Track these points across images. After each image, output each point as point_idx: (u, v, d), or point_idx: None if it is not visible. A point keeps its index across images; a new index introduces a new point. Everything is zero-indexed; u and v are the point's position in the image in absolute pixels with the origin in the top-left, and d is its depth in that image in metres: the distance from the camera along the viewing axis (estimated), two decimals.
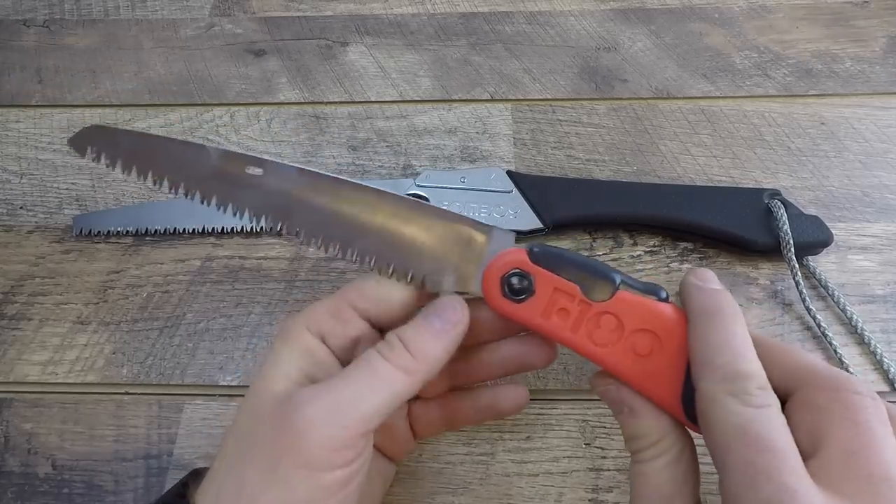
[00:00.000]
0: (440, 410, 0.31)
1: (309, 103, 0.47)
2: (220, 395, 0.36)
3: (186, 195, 0.30)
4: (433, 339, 0.26)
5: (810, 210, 0.40)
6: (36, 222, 0.42)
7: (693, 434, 0.26)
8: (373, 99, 0.47)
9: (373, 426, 0.25)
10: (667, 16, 0.51)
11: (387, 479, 0.32)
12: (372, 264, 0.29)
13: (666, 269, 0.39)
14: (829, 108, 0.45)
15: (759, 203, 0.39)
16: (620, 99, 0.47)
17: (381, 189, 0.30)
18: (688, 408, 0.25)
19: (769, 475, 0.21)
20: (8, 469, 0.34)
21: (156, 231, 0.41)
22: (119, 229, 0.41)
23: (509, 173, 0.41)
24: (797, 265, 0.37)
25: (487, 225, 0.29)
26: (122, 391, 0.36)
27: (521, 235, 0.40)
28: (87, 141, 0.30)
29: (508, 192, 0.40)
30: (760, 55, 0.48)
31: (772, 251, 0.38)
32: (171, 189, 0.30)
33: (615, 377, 0.27)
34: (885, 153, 0.43)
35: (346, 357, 0.28)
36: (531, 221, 0.39)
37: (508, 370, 0.31)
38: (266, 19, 0.52)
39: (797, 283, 0.36)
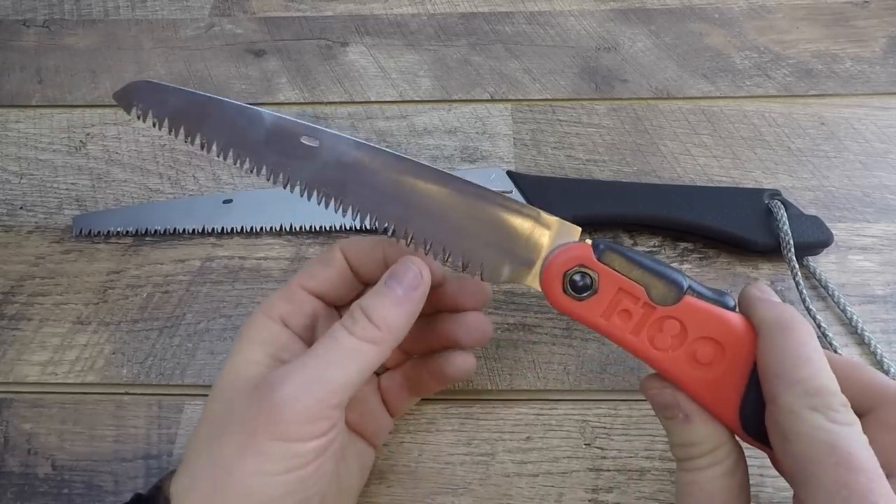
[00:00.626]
0: (402, 378, 0.32)
1: (309, 103, 0.47)
2: None
3: (236, 162, 0.28)
4: (395, 307, 0.27)
5: (810, 210, 0.40)
6: (36, 222, 0.42)
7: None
8: (373, 99, 0.47)
9: (346, 397, 0.25)
10: (667, 16, 0.51)
11: (365, 463, 0.31)
12: (427, 248, 0.28)
13: None
14: (829, 108, 0.45)
15: (759, 203, 0.39)
16: (620, 99, 0.47)
17: (444, 170, 0.28)
18: (745, 420, 0.25)
19: (862, 496, 0.20)
20: (8, 469, 0.34)
21: (156, 231, 0.41)
22: (119, 229, 0.41)
23: (509, 173, 0.41)
24: (797, 265, 0.37)
25: (551, 216, 0.28)
26: (122, 391, 0.36)
27: None
28: (134, 97, 0.28)
29: (508, 193, 0.40)
30: (760, 55, 0.48)
31: (772, 251, 0.38)
32: (219, 154, 0.28)
33: (679, 388, 0.26)
34: (885, 153, 0.43)
35: (309, 336, 0.29)
36: None
37: (448, 343, 0.31)
38: (266, 19, 0.52)
39: (797, 284, 0.36)
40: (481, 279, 0.29)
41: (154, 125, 0.29)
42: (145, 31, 0.52)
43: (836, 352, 0.36)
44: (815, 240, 0.38)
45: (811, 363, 0.23)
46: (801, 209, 0.39)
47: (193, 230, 0.41)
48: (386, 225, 0.29)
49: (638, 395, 0.35)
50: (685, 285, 0.26)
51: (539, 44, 0.50)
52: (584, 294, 0.26)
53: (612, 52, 0.49)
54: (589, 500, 0.33)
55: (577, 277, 0.26)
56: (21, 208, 0.43)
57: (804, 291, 0.36)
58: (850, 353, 0.36)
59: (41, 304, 0.39)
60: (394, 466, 0.34)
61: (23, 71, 0.50)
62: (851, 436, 0.22)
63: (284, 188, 0.29)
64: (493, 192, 0.29)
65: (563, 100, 0.47)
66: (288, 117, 0.29)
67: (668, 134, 0.45)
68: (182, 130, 0.29)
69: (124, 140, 0.46)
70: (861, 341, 0.36)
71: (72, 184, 0.44)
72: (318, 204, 0.29)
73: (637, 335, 0.26)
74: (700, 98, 0.46)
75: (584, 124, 0.45)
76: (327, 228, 0.41)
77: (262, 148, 0.29)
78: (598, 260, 0.26)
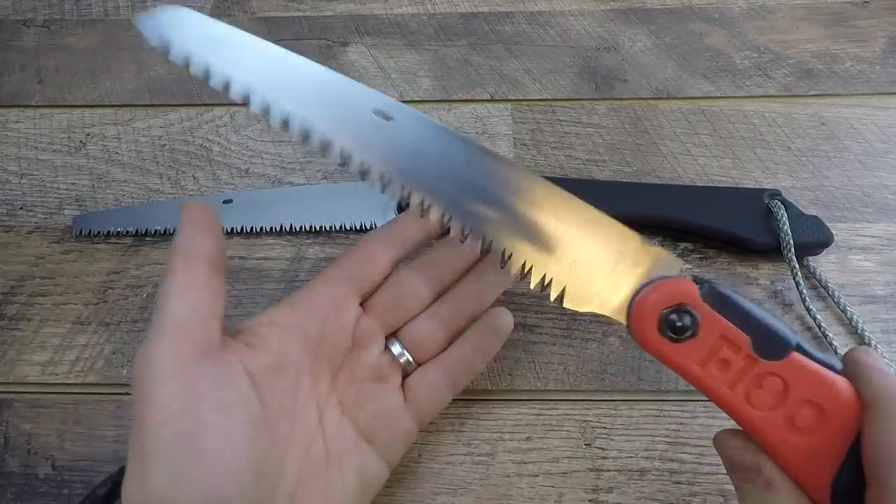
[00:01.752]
0: (437, 371, 0.31)
1: None
2: None
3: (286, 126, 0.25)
4: (190, 235, 0.27)
5: (810, 210, 0.40)
6: (36, 223, 0.42)
7: None
8: None
9: (206, 328, 0.25)
10: (667, 16, 0.51)
11: (369, 480, 0.29)
12: (506, 259, 0.26)
13: None
14: (830, 108, 0.45)
15: (759, 203, 0.39)
16: (620, 99, 0.47)
17: (536, 174, 0.26)
18: (837, 498, 0.23)
19: None
20: (7, 469, 0.34)
21: (156, 231, 0.41)
22: (119, 229, 0.41)
23: None
24: (797, 265, 0.37)
25: (653, 246, 0.26)
26: (122, 391, 0.36)
27: None
28: (162, 27, 0.25)
29: None
30: (760, 55, 0.48)
31: (772, 251, 0.38)
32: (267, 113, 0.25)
33: (769, 454, 0.24)
34: (885, 153, 0.43)
35: None
36: None
37: (489, 297, 0.32)
38: (266, 19, 0.52)
39: (797, 284, 0.36)
40: (560, 304, 0.26)
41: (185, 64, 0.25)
42: None
43: (836, 352, 0.36)
44: (815, 240, 0.38)
45: None
46: (801, 209, 0.39)
47: None
48: (462, 227, 0.26)
49: (638, 395, 0.35)
50: (794, 341, 0.24)
51: (539, 44, 0.50)
52: (682, 336, 0.24)
53: (612, 52, 0.49)
54: (589, 501, 0.33)
55: (674, 317, 0.24)
56: (21, 208, 0.43)
57: (804, 291, 0.36)
58: None
59: (41, 304, 0.39)
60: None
61: (23, 71, 0.50)
62: None
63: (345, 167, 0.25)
64: (591, 206, 0.26)
65: (563, 100, 0.47)
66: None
67: (668, 134, 0.45)
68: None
69: (124, 140, 0.46)
70: (861, 341, 0.36)
71: (72, 184, 0.44)
72: (394, 194, 0.25)
73: (733, 389, 0.24)
74: (700, 98, 0.46)
75: (584, 124, 0.45)
76: (327, 228, 0.41)
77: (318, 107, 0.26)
78: (704, 300, 0.24)
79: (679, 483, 0.33)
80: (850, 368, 0.24)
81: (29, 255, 0.41)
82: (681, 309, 0.24)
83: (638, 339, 0.25)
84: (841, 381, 0.23)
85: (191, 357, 0.24)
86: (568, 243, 0.26)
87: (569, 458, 0.34)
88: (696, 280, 0.25)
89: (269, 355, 0.27)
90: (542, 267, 0.26)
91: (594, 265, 0.26)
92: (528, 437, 0.35)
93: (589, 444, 0.34)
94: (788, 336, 0.24)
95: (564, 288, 0.26)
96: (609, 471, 0.34)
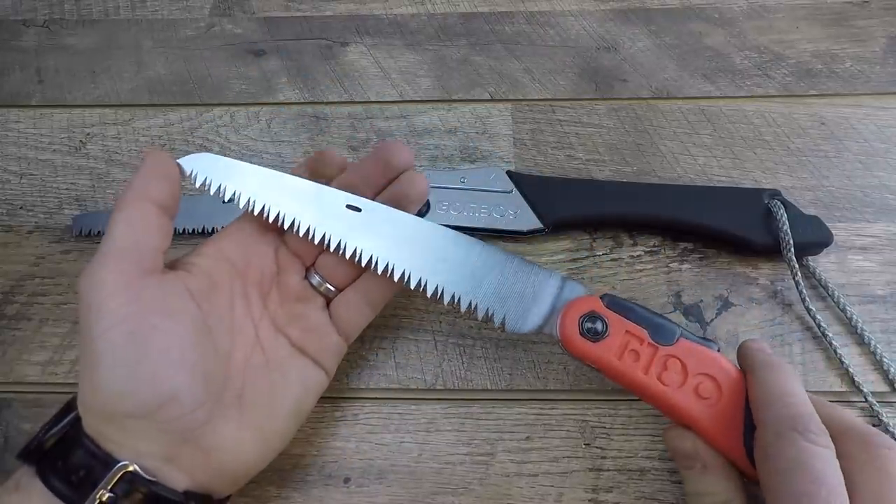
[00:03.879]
0: (355, 293, 0.33)
1: (309, 103, 0.47)
2: None
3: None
4: (146, 178, 0.29)
5: (810, 210, 0.40)
6: (36, 222, 0.42)
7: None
8: (373, 99, 0.47)
9: (150, 256, 0.28)
10: (667, 16, 0.51)
11: (309, 385, 0.32)
12: (456, 301, 0.32)
13: (666, 269, 0.39)
14: (830, 108, 0.45)
15: (759, 203, 0.39)
16: (620, 99, 0.47)
17: (472, 238, 0.33)
18: (749, 451, 0.27)
19: None
20: (8, 469, 0.34)
21: None
22: None
23: (509, 173, 0.41)
24: (797, 265, 0.37)
25: (562, 275, 0.32)
26: None
27: (521, 236, 0.40)
28: (190, 167, 0.32)
29: (508, 193, 0.40)
30: (760, 55, 0.48)
31: (772, 251, 0.38)
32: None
33: (688, 424, 0.29)
34: (885, 153, 0.43)
35: None
36: (531, 221, 0.39)
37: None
38: (266, 19, 0.52)
39: (797, 284, 0.36)
40: (503, 330, 0.32)
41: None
42: (145, 31, 0.52)
43: (836, 352, 0.36)
44: (814, 240, 0.38)
45: (794, 393, 0.27)
46: (800, 209, 0.39)
47: (193, 230, 0.41)
48: (415, 279, 0.32)
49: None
50: (678, 329, 0.30)
51: (539, 44, 0.50)
52: (598, 337, 0.30)
53: (612, 52, 0.49)
54: (589, 500, 0.33)
55: (589, 323, 0.30)
56: (21, 208, 0.43)
57: (804, 291, 0.36)
58: (849, 352, 0.36)
59: (41, 303, 0.39)
60: (394, 466, 0.34)
61: (23, 71, 0.50)
62: (823, 456, 0.24)
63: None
64: (511, 253, 0.33)
65: (563, 100, 0.47)
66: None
67: (668, 134, 0.45)
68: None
69: (124, 140, 0.46)
70: (861, 341, 0.36)
71: (72, 184, 0.44)
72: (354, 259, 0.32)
73: (647, 373, 0.29)
74: (700, 98, 0.46)
75: (584, 124, 0.45)
76: None
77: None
78: (607, 307, 0.30)
79: (678, 483, 0.33)
80: (741, 351, 0.30)
81: (29, 255, 0.41)
82: (592, 316, 0.30)
83: (568, 345, 0.30)
84: (721, 357, 0.29)
85: (135, 275, 0.27)
86: (502, 285, 0.32)
87: (568, 457, 0.34)
88: (600, 295, 0.31)
89: (203, 277, 0.30)
90: (484, 304, 0.32)
91: (526, 298, 0.32)
92: (527, 437, 0.35)
93: (589, 444, 0.34)
94: (672, 326, 0.30)
95: (504, 317, 0.32)
96: (609, 470, 0.34)
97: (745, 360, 0.29)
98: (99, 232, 0.41)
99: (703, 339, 0.30)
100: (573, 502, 0.33)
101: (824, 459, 0.24)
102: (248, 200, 0.32)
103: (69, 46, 0.51)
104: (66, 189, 0.44)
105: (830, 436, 0.25)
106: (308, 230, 0.32)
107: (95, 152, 0.45)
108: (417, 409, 0.35)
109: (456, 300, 0.32)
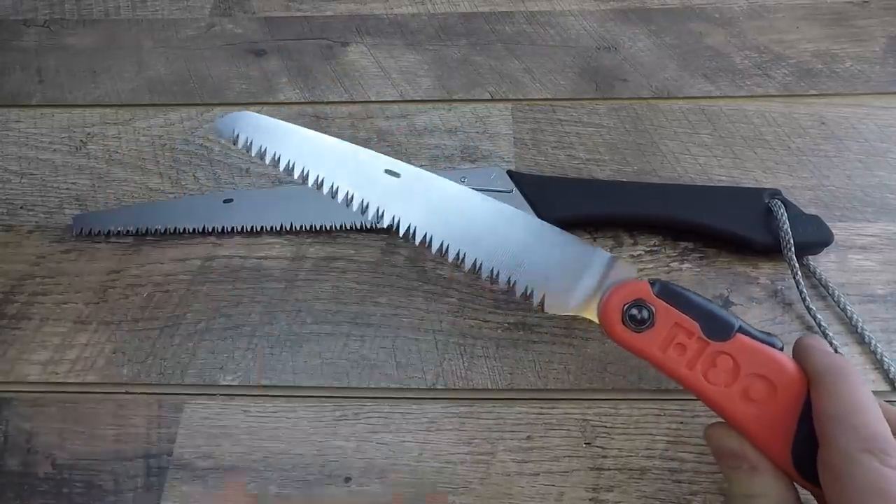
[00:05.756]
0: None
1: (309, 103, 0.47)
2: (221, 395, 0.36)
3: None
4: None
5: (810, 210, 0.40)
6: (36, 222, 0.42)
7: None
8: (373, 99, 0.47)
9: None
10: (667, 16, 0.51)
11: None
12: (495, 276, 0.31)
13: (666, 268, 0.39)
14: (830, 107, 0.45)
15: (759, 203, 0.39)
16: (620, 99, 0.47)
17: (516, 210, 0.32)
18: (798, 460, 0.26)
19: None
20: (7, 469, 0.34)
21: (156, 231, 0.41)
22: (119, 229, 0.41)
23: (510, 173, 0.41)
24: (797, 265, 0.37)
25: (611, 255, 0.30)
26: (123, 391, 0.36)
27: None
28: (232, 126, 0.32)
29: (509, 192, 0.40)
30: (761, 55, 0.48)
31: (772, 251, 0.38)
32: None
33: (731, 425, 0.27)
34: (885, 153, 0.43)
35: None
36: None
37: None
38: (266, 19, 0.52)
39: (797, 283, 0.36)
40: (542, 310, 0.30)
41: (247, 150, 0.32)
42: (146, 30, 0.52)
43: (836, 351, 0.36)
44: (815, 239, 0.38)
45: (867, 410, 0.24)
46: (801, 209, 0.39)
47: (194, 230, 0.41)
48: (457, 255, 0.31)
49: (639, 395, 0.35)
50: (737, 323, 0.27)
51: (539, 44, 0.50)
52: (642, 327, 0.28)
53: (612, 52, 0.49)
54: (590, 500, 0.33)
55: (634, 311, 0.28)
56: (21, 208, 0.43)
57: (804, 291, 0.36)
58: (849, 352, 0.36)
59: (42, 303, 0.39)
60: (394, 465, 0.34)
61: (23, 71, 0.50)
62: None
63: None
64: (558, 229, 0.31)
65: (563, 99, 0.47)
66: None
67: (669, 133, 0.45)
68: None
69: (124, 140, 0.46)
70: (861, 340, 0.36)
71: (72, 183, 0.44)
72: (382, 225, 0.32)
73: (692, 369, 0.27)
74: (700, 98, 0.46)
75: (585, 124, 0.45)
76: (328, 228, 0.41)
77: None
78: (656, 295, 0.28)
79: (680, 482, 0.33)
80: (798, 350, 0.28)
81: (29, 255, 0.41)
82: (638, 303, 0.28)
83: (608, 332, 0.29)
84: (782, 356, 0.27)
85: None
86: (545, 261, 0.31)
87: (569, 456, 0.34)
88: (651, 280, 0.29)
89: None
90: (524, 281, 0.30)
91: (567, 277, 0.30)
92: (528, 436, 0.35)
93: (589, 443, 0.34)
94: (731, 319, 0.27)
95: (544, 296, 0.30)
96: (609, 470, 0.33)
97: (806, 361, 0.27)
98: (99, 231, 0.41)
99: (767, 334, 0.27)
100: (574, 501, 0.33)
101: None
102: (288, 163, 0.32)
103: (70, 46, 0.51)
104: (67, 189, 0.44)
105: None
106: (347, 195, 0.32)
107: (96, 152, 0.45)
108: (418, 409, 0.35)
109: (495, 275, 0.30)
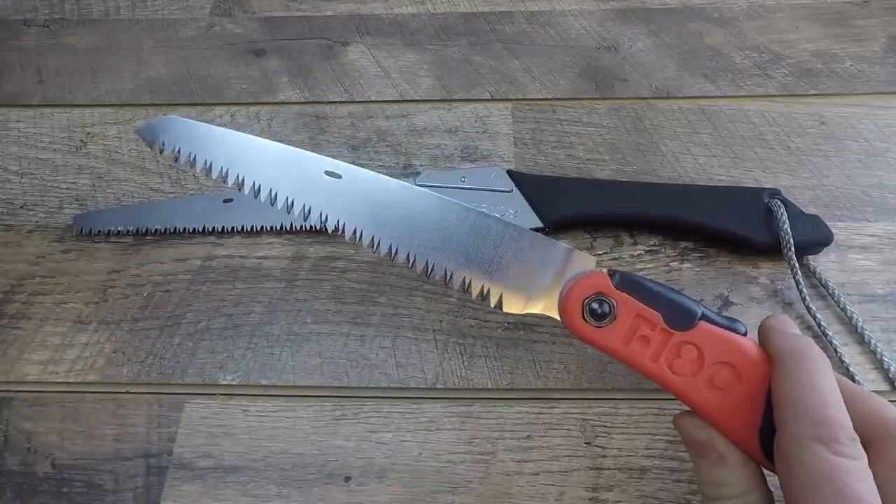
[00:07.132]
0: None
1: (309, 103, 0.47)
2: (221, 395, 0.36)
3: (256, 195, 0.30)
4: None
5: (810, 209, 0.40)
6: (36, 222, 0.42)
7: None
8: (373, 99, 0.47)
9: None
10: (667, 16, 0.51)
11: None
12: (449, 277, 0.29)
13: (666, 268, 0.39)
14: (830, 107, 0.45)
15: (759, 202, 0.39)
16: (620, 99, 0.47)
17: (464, 204, 0.30)
18: (766, 447, 0.25)
19: None
20: (7, 468, 0.34)
21: (156, 230, 0.41)
22: (119, 228, 0.41)
23: (509, 173, 0.41)
24: (797, 264, 0.37)
25: (567, 247, 0.29)
26: (123, 390, 0.36)
27: None
28: (157, 133, 0.30)
29: (509, 192, 0.40)
30: (761, 55, 0.48)
31: (772, 251, 0.38)
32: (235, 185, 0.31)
33: (699, 414, 0.26)
34: (885, 153, 0.43)
35: None
36: (531, 221, 0.39)
37: None
38: (266, 19, 0.52)
39: (797, 283, 0.36)
40: (500, 309, 0.29)
41: (176, 160, 0.31)
42: (146, 30, 0.52)
43: (836, 351, 0.36)
44: (815, 239, 0.38)
45: (821, 394, 0.23)
46: (801, 208, 0.39)
47: (194, 229, 0.41)
48: (410, 257, 0.30)
49: (638, 394, 0.35)
50: (699, 311, 0.26)
51: (539, 43, 0.50)
52: (603, 321, 0.27)
53: (612, 52, 0.49)
54: (589, 499, 0.33)
55: (595, 305, 0.27)
56: (21, 207, 0.43)
57: (804, 291, 0.36)
58: (849, 352, 0.36)
59: (41, 303, 0.39)
60: (394, 465, 0.34)
61: (23, 70, 0.50)
62: (853, 469, 0.22)
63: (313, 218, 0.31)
64: (511, 223, 0.30)
65: (563, 99, 0.47)
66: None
67: (668, 133, 0.45)
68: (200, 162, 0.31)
69: (125, 139, 0.46)
70: (861, 340, 0.36)
71: (72, 183, 0.44)
72: (342, 234, 0.30)
73: (656, 361, 0.27)
74: (700, 97, 0.46)
75: (584, 124, 0.45)
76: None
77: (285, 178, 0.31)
78: (616, 287, 0.27)
79: (679, 482, 0.33)
80: (761, 333, 0.27)
81: (29, 254, 0.41)
82: (599, 297, 0.27)
83: (571, 329, 0.28)
84: (746, 342, 0.26)
85: None
86: (499, 258, 0.29)
87: (569, 456, 0.34)
88: (610, 271, 0.28)
89: None
90: (479, 280, 0.29)
91: (524, 274, 0.29)
92: (528, 436, 0.35)
93: (589, 443, 0.34)
94: (694, 308, 0.26)
95: (501, 295, 0.29)
96: (609, 469, 0.33)
97: (768, 343, 0.26)
98: (99, 231, 0.41)
99: (730, 319, 0.27)
100: (574, 501, 0.33)
101: (852, 473, 0.21)
102: (221, 170, 0.30)
103: (70, 46, 0.51)
104: (67, 188, 0.44)
105: (869, 437, 0.23)
106: (287, 201, 0.30)
107: (96, 152, 0.45)
108: (418, 408, 0.35)
109: (448, 276, 0.29)
